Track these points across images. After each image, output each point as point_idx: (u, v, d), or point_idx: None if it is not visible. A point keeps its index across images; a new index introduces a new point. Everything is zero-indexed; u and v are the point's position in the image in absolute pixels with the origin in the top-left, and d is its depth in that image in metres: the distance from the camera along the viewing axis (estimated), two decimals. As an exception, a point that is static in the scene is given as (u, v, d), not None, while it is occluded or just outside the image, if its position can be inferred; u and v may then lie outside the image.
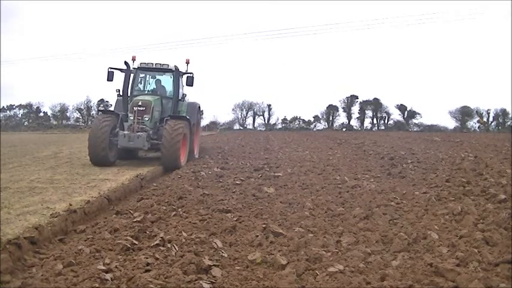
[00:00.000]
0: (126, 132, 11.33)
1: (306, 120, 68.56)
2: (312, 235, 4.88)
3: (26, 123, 60.99)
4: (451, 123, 66.44)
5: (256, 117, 68.20)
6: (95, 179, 9.00)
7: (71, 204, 6.07)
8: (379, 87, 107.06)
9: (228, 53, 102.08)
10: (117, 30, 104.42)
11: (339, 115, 68.46)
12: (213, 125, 61.99)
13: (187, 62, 12.89)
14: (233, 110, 68.52)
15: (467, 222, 5.30)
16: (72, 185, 8.07)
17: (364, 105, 67.08)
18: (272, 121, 68.18)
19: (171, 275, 3.54)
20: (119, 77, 12.59)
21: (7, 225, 4.95)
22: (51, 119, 62.97)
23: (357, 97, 67.37)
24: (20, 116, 64.19)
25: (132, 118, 11.48)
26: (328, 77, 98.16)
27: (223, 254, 4.24)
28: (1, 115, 62.22)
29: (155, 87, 13.29)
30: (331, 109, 67.77)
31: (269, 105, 67.46)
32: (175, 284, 3.41)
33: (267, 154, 15.71)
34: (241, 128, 65.22)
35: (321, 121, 68.75)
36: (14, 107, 63.52)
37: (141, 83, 13.08)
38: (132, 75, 12.52)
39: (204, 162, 12.44)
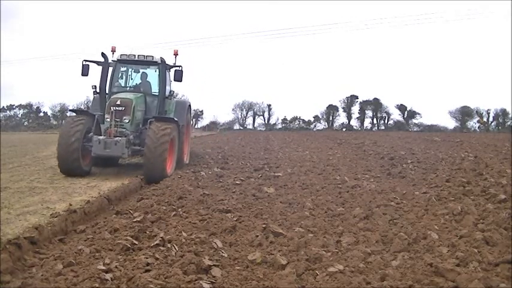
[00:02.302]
0: (101, 137, 9.41)
1: (306, 120, 68.45)
2: (312, 235, 4.88)
3: (26, 123, 60.94)
4: (451, 123, 66.27)
5: (256, 117, 68.13)
6: (95, 178, 9.02)
7: (71, 204, 6.08)
8: (379, 87, 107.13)
9: (228, 53, 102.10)
10: (116, 30, 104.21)
11: (339, 115, 68.39)
12: (213, 125, 62.05)
13: (176, 54, 11.07)
14: (233, 110, 68.45)
15: (467, 222, 5.30)
16: (72, 185, 8.08)
17: (364, 105, 66.98)
18: (272, 121, 68.10)
19: (171, 275, 3.54)
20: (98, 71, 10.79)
21: (7, 225, 4.97)
22: (51, 119, 62.86)
23: (357, 97, 67.28)
24: (20, 116, 64.11)
25: (109, 120, 9.63)
26: (328, 77, 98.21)
27: (223, 254, 4.24)
28: (1, 115, 62.15)
29: (138, 82, 11.30)
30: (331, 109, 67.65)
31: (269, 105, 67.40)
32: (175, 284, 3.41)
33: (267, 154, 15.71)
34: (241, 128, 65.11)
35: (321, 121, 68.63)
36: (14, 107, 63.43)
37: (121, 78, 11.15)
38: (111, 68, 10.80)
39: (204, 162, 12.46)
